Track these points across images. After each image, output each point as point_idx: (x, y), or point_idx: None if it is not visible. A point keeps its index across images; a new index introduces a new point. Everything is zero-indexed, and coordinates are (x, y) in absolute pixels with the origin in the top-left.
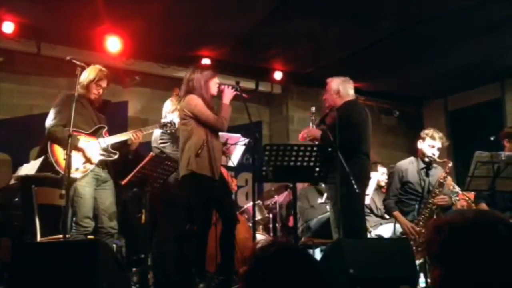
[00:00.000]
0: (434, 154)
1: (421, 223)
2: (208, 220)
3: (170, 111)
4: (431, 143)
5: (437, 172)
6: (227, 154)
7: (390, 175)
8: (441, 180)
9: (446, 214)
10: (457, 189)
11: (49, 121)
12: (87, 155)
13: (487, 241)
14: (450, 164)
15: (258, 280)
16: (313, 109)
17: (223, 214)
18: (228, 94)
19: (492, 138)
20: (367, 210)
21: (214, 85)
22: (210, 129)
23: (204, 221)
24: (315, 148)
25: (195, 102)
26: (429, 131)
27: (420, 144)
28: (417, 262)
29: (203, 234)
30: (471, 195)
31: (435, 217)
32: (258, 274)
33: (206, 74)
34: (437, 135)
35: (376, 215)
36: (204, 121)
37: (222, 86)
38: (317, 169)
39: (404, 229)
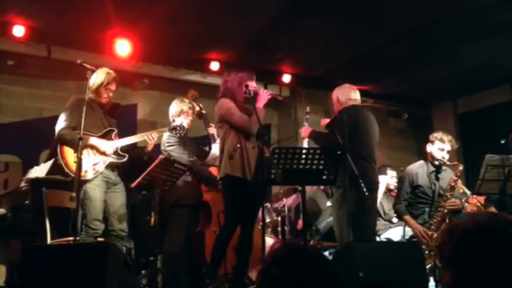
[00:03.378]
0: (444, 157)
1: (433, 226)
2: (252, 220)
3: (176, 115)
4: (440, 146)
5: (447, 175)
6: (265, 154)
7: (400, 180)
8: (452, 184)
9: (457, 218)
10: (468, 192)
11: (59, 124)
12: (101, 149)
13: (498, 244)
14: (461, 167)
15: (273, 280)
16: (307, 108)
17: (247, 218)
18: (263, 98)
19: (502, 142)
20: None
21: (250, 88)
22: (242, 132)
23: (246, 221)
24: (324, 151)
25: (227, 105)
26: (438, 134)
27: (430, 148)
28: (427, 265)
29: (246, 234)
30: (481, 198)
31: (447, 221)
32: (273, 274)
33: (241, 76)
34: (446, 138)
35: (384, 219)
36: (234, 124)
37: (258, 90)
38: (326, 172)
39: (415, 233)
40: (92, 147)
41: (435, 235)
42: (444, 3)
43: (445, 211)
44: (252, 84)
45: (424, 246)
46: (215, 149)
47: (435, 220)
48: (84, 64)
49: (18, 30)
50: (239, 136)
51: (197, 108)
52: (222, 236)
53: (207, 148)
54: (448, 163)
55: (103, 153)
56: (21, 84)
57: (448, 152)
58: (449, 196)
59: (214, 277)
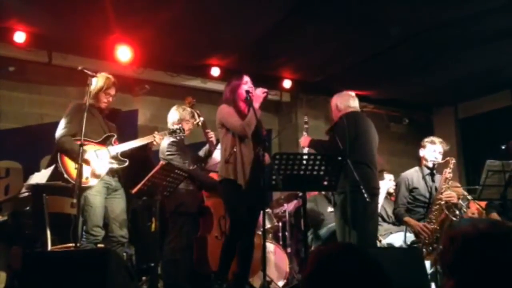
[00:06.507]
0: (436, 158)
1: (433, 221)
2: (252, 225)
3: (176, 122)
4: (432, 147)
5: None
6: (265, 163)
7: (397, 185)
8: (447, 176)
9: (458, 224)
10: (469, 197)
11: (59, 131)
12: (93, 167)
13: (499, 252)
14: (453, 161)
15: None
16: (305, 118)
17: (248, 224)
18: (257, 98)
19: (503, 147)
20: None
21: (243, 91)
22: (239, 136)
23: (247, 227)
24: (324, 157)
25: (224, 111)
26: (428, 138)
27: (422, 152)
28: (429, 271)
29: (247, 240)
30: (482, 203)
31: (445, 212)
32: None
33: (233, 83)
34: (437, 139)
35: (388, 222)
36: (230, 128)
37: (253, 90)
38: (327, 178)
39: (416, 229)
40: (86, 162)
41: (436, 227)
42: (445, 9)
43: (442, 202)
44: (247, 85)
45: (426, 241)
46: (217, 154)
47: (434, 214)
48: (85, 70)
49: (19, 36)
50: (235, 140)
51: (196, 116)
52: (228, 241)
53: (202, 153)
54: (441, 161)
55: (97, 176)
56: (22, 90)
57: (440, 153)
58: (444, 188)
59: (222, 283)
